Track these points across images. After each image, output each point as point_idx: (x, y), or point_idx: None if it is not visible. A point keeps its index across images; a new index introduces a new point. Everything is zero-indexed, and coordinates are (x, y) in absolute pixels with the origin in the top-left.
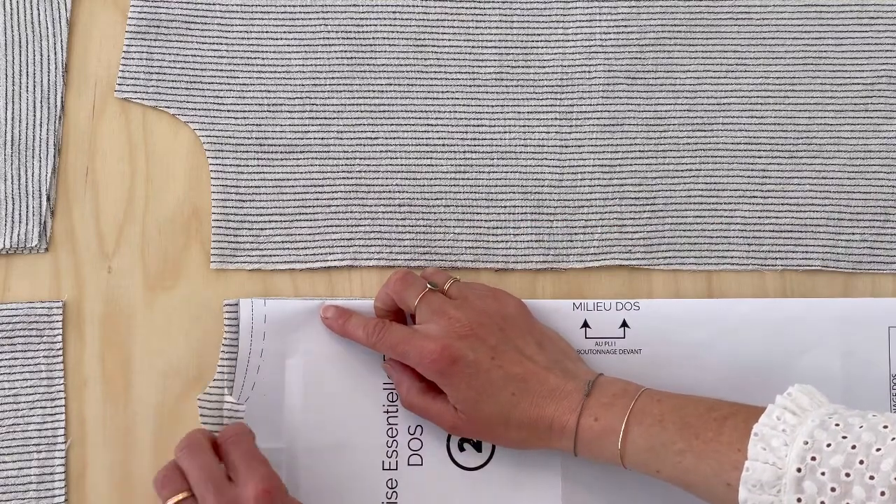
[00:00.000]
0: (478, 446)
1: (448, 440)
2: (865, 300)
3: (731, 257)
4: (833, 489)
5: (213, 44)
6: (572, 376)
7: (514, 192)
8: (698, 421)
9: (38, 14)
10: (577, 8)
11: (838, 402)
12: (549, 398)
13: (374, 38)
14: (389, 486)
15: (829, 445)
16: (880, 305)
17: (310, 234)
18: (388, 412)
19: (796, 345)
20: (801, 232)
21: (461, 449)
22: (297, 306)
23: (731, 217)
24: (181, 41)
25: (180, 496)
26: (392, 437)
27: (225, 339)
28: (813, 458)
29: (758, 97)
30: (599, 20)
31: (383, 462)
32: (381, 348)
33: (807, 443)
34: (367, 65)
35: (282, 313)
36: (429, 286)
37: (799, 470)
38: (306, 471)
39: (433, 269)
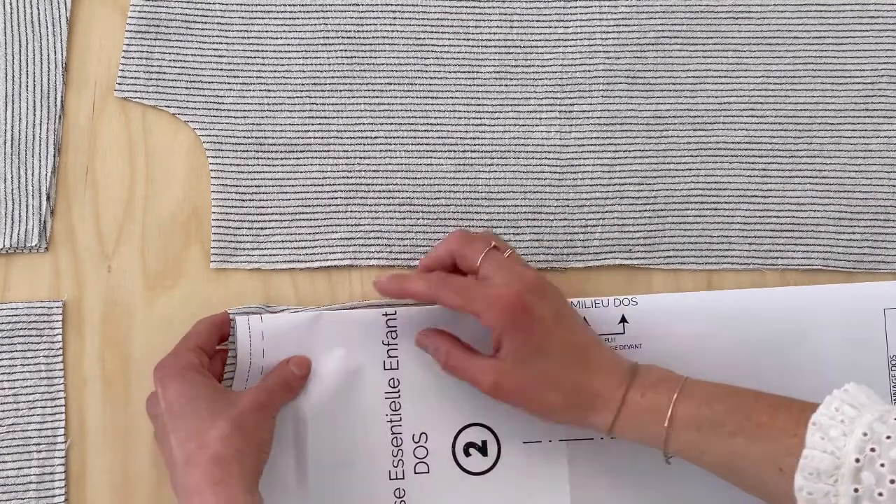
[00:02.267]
0: (483, 450)
1: (454, 445)
2: (860, 285)
3: (732, 257)
4: (892, 481)
5: (213, 43)
6: (617, 355)
7: (514, 192)
8: (749, 406)
9: (38, 14)
10: (577, 7)
11: (838, 386)
12: (599, 370)
13: (374, 37)
14: (397, 495)
15: (888, 437)
16: (875, 289)
17: (310, 234)
18: (391, 421)
19: (795, 332)
20: (801, 232)
21: (467, 454)
22: (295, 320)
23: (732, 216)
24: (181, 40)
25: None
26: (397, 446)
27: (230, 352)
28: (872, 450)
29: (758, 96)
30: (600, 19)
31: (390, 472)
32: (446, 296)
33: (866, 434)
34: (367, 64)
35: (280, 329)
36: (494, 244)
37: (857, 460)
38: (314, 485)
39: (490, 232)
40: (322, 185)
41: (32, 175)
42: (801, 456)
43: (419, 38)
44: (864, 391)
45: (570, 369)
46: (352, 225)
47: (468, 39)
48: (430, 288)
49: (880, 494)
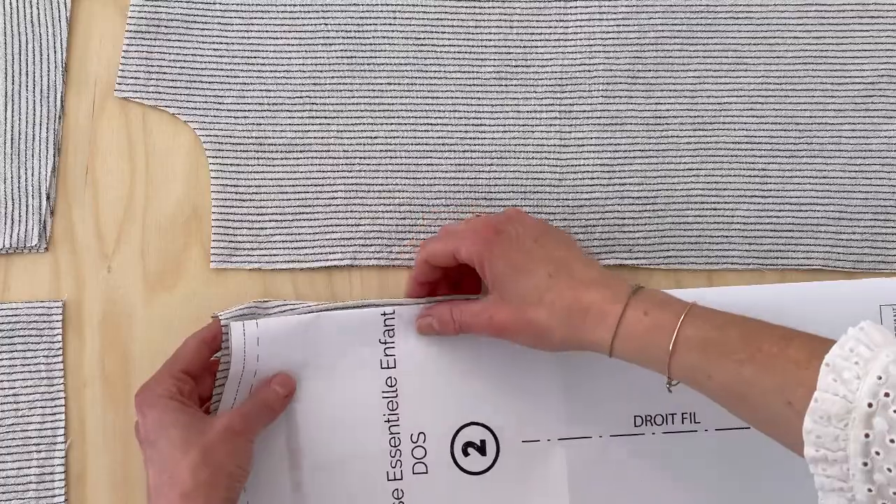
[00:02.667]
0: (482, 450)
1: (452, 445)
2: (857, 281)
3: (732, 257)
4: None
5: (214, 43)
6: (615, 276)
7: (513, 192)
8: (761, 334)
9: (38, 14)
10: (577, 7)
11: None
12: (590, 285)
13: (374, 37)
14: (396, 496)
15: None
16: (871, 285)
17: (310, 234)
18: (388, 421)
19: (794, 328)
20: (801, 232)
21: (465, 454)
22: (290, 323)
23: (732, 216)
24: (181, 40)
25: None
26: (395, 446)
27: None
28: (886, 395)
29: (758, 96)
30: (600, 19)
31: (388, 473)
32: (433, 247)
33: (880, 378)
34: (367, 64)
35: (274, 333)
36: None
37: (870, 405)
38: (312, 487)
39: None
40: (322, 185)
41: (32, 175)
42: (811, 394)
43: (419, 39)
44: (879, 330)
45: (555, 286)
46: (352, 225)
47: (468, 39)
48: (422, 251)
49: (892, 441)
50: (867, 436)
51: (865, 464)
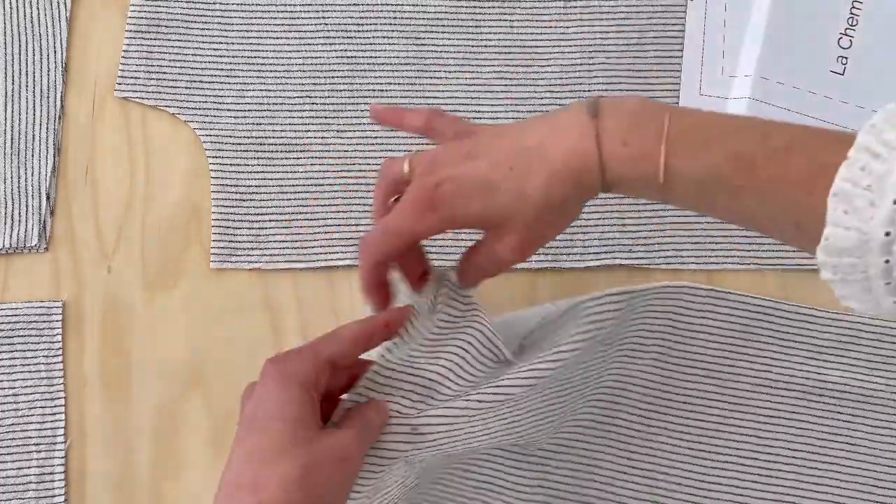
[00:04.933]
0: None
1: None
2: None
3: (732, 257)
4: None
5: (214, 43)
6: (559, 110)
7: None
8: (755, 151)
9: (38, 14)
10: (577, 7)
11: None
12: (548, 131)
13: (374, 36)
14: None
15: None
16: None
17: (310, 234)
18: None
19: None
20: None
21: None
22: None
23: None
24: (181, 40)
25: None
26: None
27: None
28: None
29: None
30: (600, 19)
31: None
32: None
33: None
34: (367, 63)
35: None
36: None
37: (888, 234)
38: None
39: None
40: (322, 185)
41: (32, 175)
42: (821, 220)
43: (419, 38)
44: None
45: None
46: (352, 225)
47: (468, 39)
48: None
49: None
50: (887, 262)
51: (888, 283)
